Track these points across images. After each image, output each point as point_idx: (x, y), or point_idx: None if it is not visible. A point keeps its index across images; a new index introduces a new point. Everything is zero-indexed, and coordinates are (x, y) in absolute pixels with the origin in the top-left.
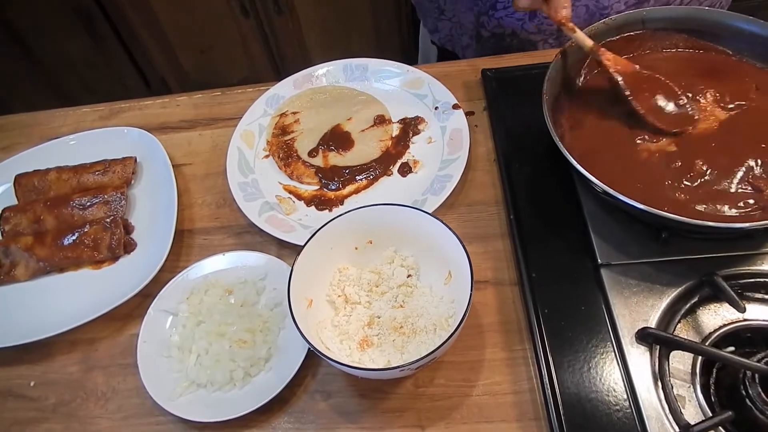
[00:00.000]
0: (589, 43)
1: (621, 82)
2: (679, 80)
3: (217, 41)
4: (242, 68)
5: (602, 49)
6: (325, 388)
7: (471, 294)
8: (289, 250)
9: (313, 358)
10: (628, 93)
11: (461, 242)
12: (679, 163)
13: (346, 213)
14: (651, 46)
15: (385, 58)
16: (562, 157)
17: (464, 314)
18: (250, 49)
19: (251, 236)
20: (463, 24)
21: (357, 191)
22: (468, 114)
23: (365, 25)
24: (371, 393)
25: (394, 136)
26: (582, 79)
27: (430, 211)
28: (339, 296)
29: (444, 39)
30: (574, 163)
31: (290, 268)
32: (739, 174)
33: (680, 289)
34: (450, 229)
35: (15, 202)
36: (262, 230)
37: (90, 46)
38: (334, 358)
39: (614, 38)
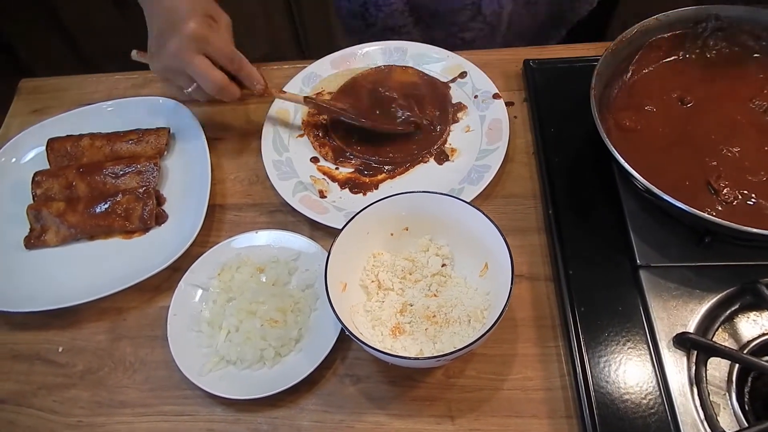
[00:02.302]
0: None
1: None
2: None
3: (239, 12)
4: (264, 42)
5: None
6: (355, 373)
7: (511, 287)
8: (321, 232)
9: (343, 341)
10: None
11: (502, 234)
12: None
13: (385, 198)
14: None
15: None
16: (604, 152)
17: (504, 307)
18: (273, 22)
19: (283, 215)
20: None
21: (392, 176)
22: (507, 104)
23: None
24: (401, 380)
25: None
26: (629, 75)
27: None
28: (372, 282)
29: None
30: (622, 161)
31: (328, 251)
32: None
33: (721, 295)
34: (491, 220)
35: (47, 166)
36: (294, 210)
37: (114, 14)
38: (368, 344)
39: (665, 35)
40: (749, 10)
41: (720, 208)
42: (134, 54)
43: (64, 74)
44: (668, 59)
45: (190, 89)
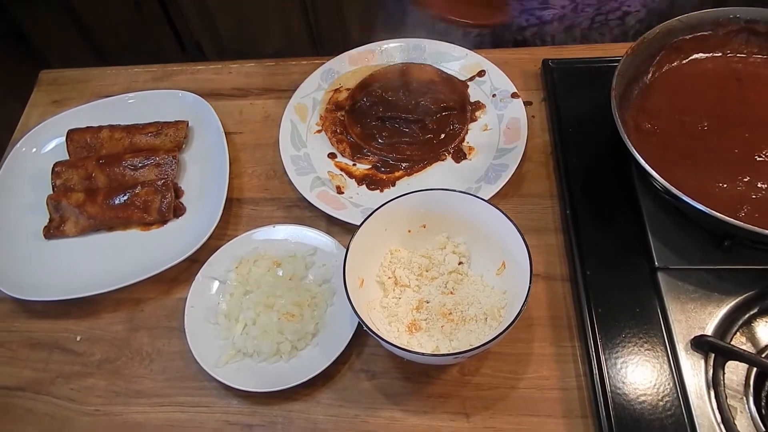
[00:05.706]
0: None
1: None
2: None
3: (255, 9)
4: (279, 38)
5: None
6: (370, 368)
7: (530, 287)
8: (338, 227)
9: (359, 336)
10: None
11: (521, 233)
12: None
13: (403, 195)
14: (728, 49)
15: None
16: (623, 153)
17: (522, 306)
18: (288, 19)
19: (300, 210)
20: None
21: (409, 174)
22: (525, 104)
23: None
24: (416, 376)
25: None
26: (650, 76)
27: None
28: (389, 278)
29: None
30: (642, 161)
31: (346, 246)
32: None
33: (739, 298)
34: (510, 219)
35: (66, 156)
36: (311, 205)
37: (129, 7)
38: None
39: (687, 37)
40: (756, 12)
41: None
42: None
43: (77, 66)
44: (689, 60)
45: None
